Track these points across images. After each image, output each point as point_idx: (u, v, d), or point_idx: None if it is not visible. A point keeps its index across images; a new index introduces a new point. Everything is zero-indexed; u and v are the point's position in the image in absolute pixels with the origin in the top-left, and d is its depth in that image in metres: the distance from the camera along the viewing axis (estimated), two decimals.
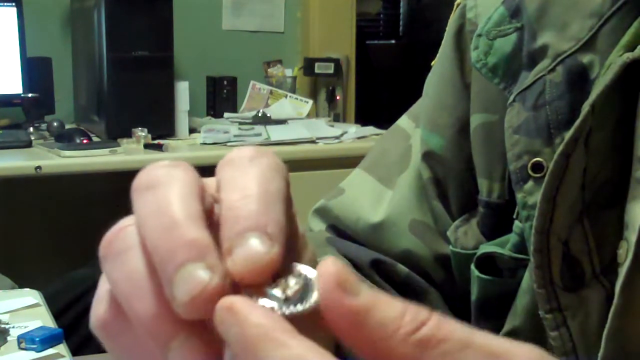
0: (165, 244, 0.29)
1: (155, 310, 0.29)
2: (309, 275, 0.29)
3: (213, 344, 0.28)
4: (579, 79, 0.55)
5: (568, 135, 0.53)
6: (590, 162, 0.54)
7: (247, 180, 0.31)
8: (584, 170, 0.54)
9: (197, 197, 0.30)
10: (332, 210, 0.72)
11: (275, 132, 2.60)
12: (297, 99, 3.02)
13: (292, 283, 0.29)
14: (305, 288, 0.28)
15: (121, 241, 0.31)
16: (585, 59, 0.56)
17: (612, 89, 0.52)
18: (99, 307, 0.32)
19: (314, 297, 0.28)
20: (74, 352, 1.33)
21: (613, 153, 0.55)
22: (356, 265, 0.67)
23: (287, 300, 0.28)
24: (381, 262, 0.67)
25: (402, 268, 0.68)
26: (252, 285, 0.28)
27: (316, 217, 0.74)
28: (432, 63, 0.71)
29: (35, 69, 2.67)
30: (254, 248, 0.28)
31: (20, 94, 2.61)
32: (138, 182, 0.31)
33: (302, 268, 0.29)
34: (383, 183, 0.71)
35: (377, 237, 0.69)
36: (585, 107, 0.53)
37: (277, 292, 0.28)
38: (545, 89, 0.57)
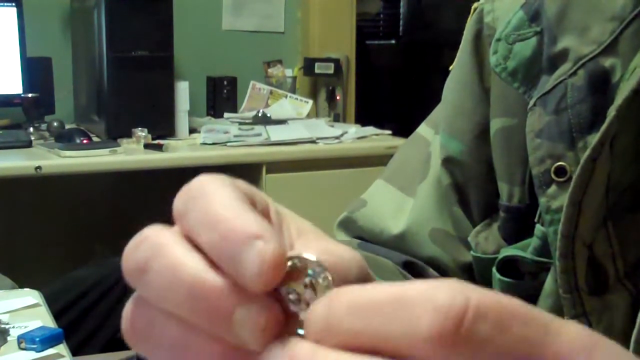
0: (202, 305, 0.29)
1: (216, 356, 0.29)
2: (316, 273, 0.29)
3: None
4: (601, 83, 0.55)
5: (595, 139, 0.53)
6: (615, 166, 0.54)
7: (205, 214, 0.30)
8: (608, 175, 0.54)
9: (192, 249, 0.30)
10: (356, 222, 0.73)
11: (275, 132, 2.60)
12: (297, 99, 3.02)
13: (304, 290, 0.29)
14: (315, 285, 0.29)
15: (140, 326, 0.31)
16: (607, 62, 0.56)
17: (636, 93, 0.52)
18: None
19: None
20: (74, 352, 1.33)
21: (636, 157, 0.55)
22: (389, 266, 0.67)
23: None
24: (413, 264, 0.68)
25: (433, 272, 0.68)
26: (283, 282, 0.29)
27: (341, 230, 0.75)
28: (450, 68, 0.71)
29: (35, 69, 2.67)
30: (253, 254, 0.28)
31: (20, 94, 2.61)
32: (129, 268, 0.30)
33: (307, 262, 0.29)
34: (404, 192, 0.71)
35: (401, 247, 0.70)
36: (612, 112, 0.53)
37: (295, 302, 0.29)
38: (566, 92, 0.56)
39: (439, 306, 0.25)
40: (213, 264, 0.29)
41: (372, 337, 0.26)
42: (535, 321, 0.26)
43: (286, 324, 0.28)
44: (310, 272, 0.29)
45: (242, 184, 0.32)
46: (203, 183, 0.31)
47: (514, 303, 0.26)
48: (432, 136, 0.71)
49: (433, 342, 0.25)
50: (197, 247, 0.30)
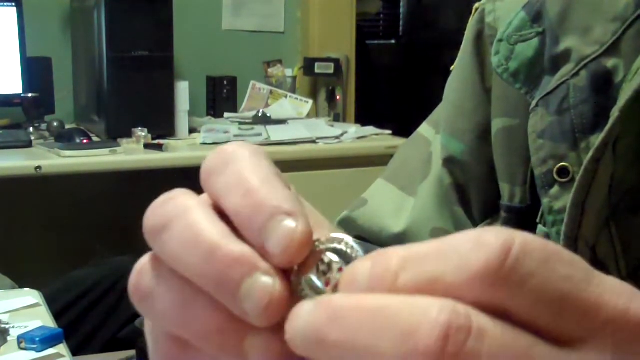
0: (213, 270, 0.29)
1: (213, 324, 0.30)
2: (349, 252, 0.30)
3: (280, 333, 0.29)
4: (604, 84, 0.55)
5: (598, 140, 0.53)
6: (617, 167, 0.54)
7: (238, 179, 0.30)
8: (611, 175, 0.54)
9: (216, 215, 0.30)
10: (356, 221, 0.72)
11: (275, 132, 2.60)
12: (297, 99, 3.02)
13: (335, 269, 0.29)
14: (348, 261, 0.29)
15: (147, 281, 0.31)
16: (610, 63, 0.56)
17: (639, 94, 0.52)
18: (162, 351, 0.32)
19: None
20: (74, 352, 1.33)
21: (639, 158, 0.55)
22: None
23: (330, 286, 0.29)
24: None
25: None
26: (299, 269, 0.29)
27: (341, 229, 0.74)
28: (451, 68, 0.70)
29: (35, 69, 2.67)
30: (283, 230, 0.29)
31: (20, 94, 2.61)
32: (150, 224, 0.31)
33: (336, 245, 0.30)
34: (405, 191, 0.71)
35: None
36: (615, 112, 0.53)
37: (319, 281, 0.29)
38: (569, 93, 0.56)
39: (485, 243, 0.26)
40: (234, 231, 0.30)
41: (423, 282, 0.26)
42: (579, 264, 0.26)
43: (288, 308, 0.29)
44: (351, 256, 0.29)
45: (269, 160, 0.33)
46: (237, 149, 0.32)
47: (559, 247, 0.26)
48: (433, 136, 0.71)
49: (481, 278, 0.25)
50: (222, 213, 0.30)
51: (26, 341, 1.13)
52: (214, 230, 0.30)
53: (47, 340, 1.14)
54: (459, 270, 0.26)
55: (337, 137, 2.62)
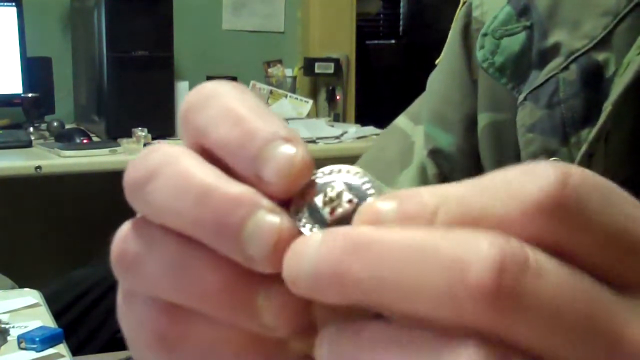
0: (210, 215, 0.25)
1: (218, 282, 0.26)
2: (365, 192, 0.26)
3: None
4: (594, 78, 0.55)
5: (591, 134, 0.53)
6: (609, 162, 0.54)
7: (226, 110, 0.27)
8: (603, 170, 0.54)
9: (207, 161, 0.27)
10: None
11: None
12: (297, 99, 3.02)
13: (340, 198, 0.26)
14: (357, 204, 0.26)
15: (134, 246, 0.28)
16: (600, 57, 0.55)
17: (631, 88, 0.52)
18: (149, 324, 0.28)
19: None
20: (74, 352, 1.33)
21: (631, 152, 0.55)
22: None
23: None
24: None
25: None
26: (298, 200, 0.26)
27: None
28: (437, 62, 0.70)
29: (35, 69, 2.68)
30: (282, 155, 0.26)
31: (20, 94, 2.61)
32: (132, 177, 0.27)
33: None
34: (381, 181, 0.71)
35: None
36: (607, 107, 0.52)
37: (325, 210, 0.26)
38: (558, 87, 0.56)
39: (539, 173, 0.22)
40: (226, 173, 0.27)
41: (468, 219, 0.23)
42: (638, 205, 0.24)
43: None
44: (362, 187, 0.26)
45: None
46: (218, 84, 0.29)
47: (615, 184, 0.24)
48: (412, 128, 0.70)
49: (537, 208, 0.22)
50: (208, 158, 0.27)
51: (26, 341, 1.13)
52: (207, 173, 0.26)
53: (47, 340, 1.14)
54: (511, 201, 0.22)
55: (337, 137, 2.63)
